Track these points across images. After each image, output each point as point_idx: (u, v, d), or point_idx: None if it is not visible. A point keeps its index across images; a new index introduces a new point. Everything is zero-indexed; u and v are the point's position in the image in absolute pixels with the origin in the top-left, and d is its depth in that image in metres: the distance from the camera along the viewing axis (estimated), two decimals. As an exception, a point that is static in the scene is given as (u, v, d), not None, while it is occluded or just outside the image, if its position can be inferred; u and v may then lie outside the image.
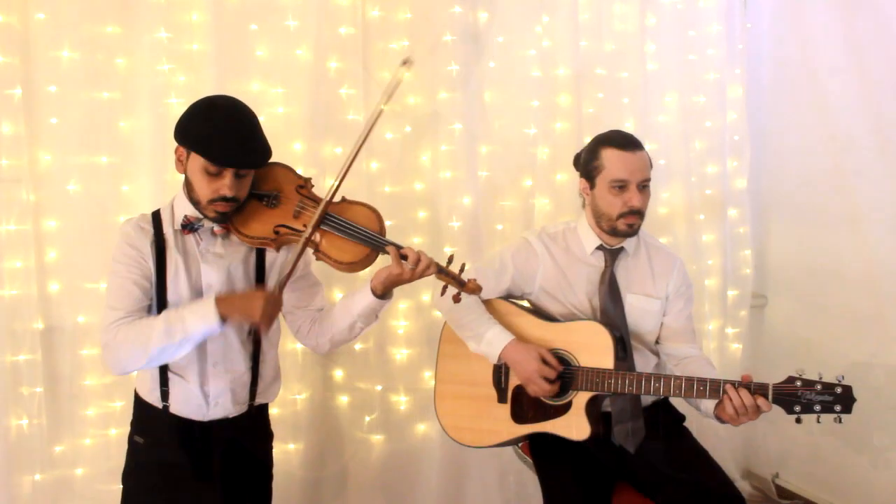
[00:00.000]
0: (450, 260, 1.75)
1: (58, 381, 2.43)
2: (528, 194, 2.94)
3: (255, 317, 1.68)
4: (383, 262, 1.79)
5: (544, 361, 2.00)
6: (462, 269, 1.77)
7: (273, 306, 1.71)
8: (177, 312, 1.71)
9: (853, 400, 1.74)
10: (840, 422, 1.76)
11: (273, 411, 2.61)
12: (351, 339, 1.90)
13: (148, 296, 1.78)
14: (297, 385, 2.68)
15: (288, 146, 2.61)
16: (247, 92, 2.56)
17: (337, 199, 1.83)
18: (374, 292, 1.79)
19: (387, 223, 2.72)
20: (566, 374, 2.02)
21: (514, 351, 2.04)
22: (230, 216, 1.79)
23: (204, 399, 1.82)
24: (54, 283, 2.41)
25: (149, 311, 1.79)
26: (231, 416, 1.86)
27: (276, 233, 1.79)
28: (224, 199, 1.73)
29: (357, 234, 1.77)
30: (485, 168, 2.87)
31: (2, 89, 2.30)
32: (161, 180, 2.43)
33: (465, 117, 2.78)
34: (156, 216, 1.84)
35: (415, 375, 2.83)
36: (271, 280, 1.86)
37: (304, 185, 1.86)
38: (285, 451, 2.68)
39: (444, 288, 1.79)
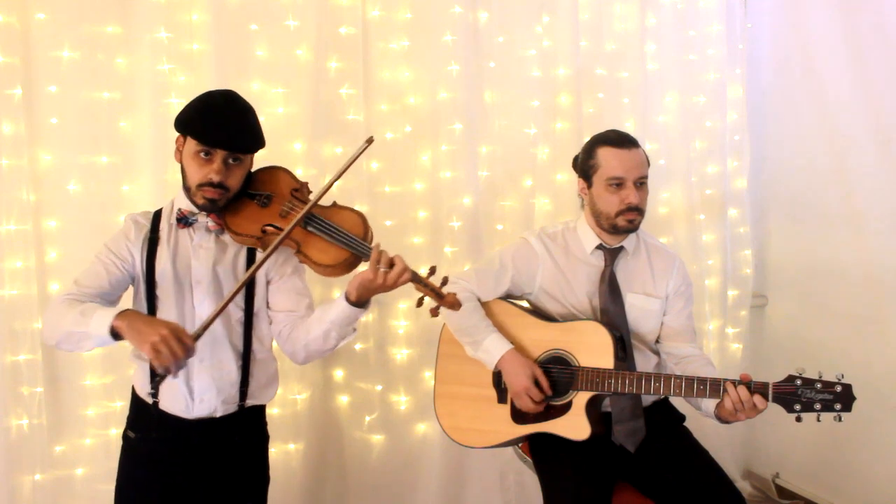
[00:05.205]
0: (431, 271, 1.69)
1: (58, 381, 2.43)
2: (528, 194, 2.94)
3: (141, 345, 1.53)
4: None
5: (536, 382, 2.01)
6: (444, 283, 1.70)
7: (175, 345, 1.51)
8: (95, 308, 1.64)
9: (853, 398, 1.74)
10: (840, 420, 1.76)
11: (273, 411, 2.63)
12: (326, 350, 1.81)
13: (115, 285, 1.78)
14: (297, 385, 2.68)
15: (288, 146, 2.61)
16: (247, 92, 2.51)
17: (328, 203, 1.83)
18: (348, 298, 1.72)
19: (387, 223, 2.80)
20: (566, 375, 2.02)
21: (510, 362, 2.04)
22: (222, 209, 1.80)
23: (189, 394, 1.81)
24: (54, 283, 2.41)
25: (116, 303, 1.79)
26: (218, 414, 1.84)
27: (263, 231, 1.79)
28: (212, 184, 1.74)
29: (339, 237, 1.76)
30: (485, 168, 2.87)
31: (2, 89, 2.30)
32: (161, 180, 2.43)
33: (465, 117, 2.78)
34: (157, 213, 1.88)
35: (415, 375, 2.82)
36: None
37: (300, 188, 1.87)
38: (285, 451, 2.68)
39: (421, 300, 1.74)
